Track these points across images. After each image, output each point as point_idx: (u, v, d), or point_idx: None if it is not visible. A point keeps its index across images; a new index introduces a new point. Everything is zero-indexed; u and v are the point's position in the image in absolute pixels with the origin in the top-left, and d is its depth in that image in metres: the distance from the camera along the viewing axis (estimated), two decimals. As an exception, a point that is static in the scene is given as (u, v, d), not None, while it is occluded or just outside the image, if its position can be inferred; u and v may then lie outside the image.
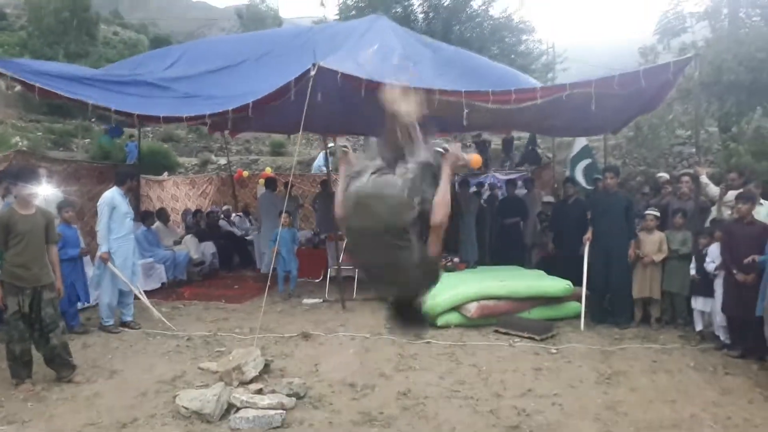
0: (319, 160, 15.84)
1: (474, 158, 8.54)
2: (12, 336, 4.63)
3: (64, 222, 6.28)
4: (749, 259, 5.26)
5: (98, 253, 6.47)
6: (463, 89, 6.61)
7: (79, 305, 6.73)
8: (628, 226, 6.75)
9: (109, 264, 6.40)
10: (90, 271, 6.99)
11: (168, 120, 6.89)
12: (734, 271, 5.43)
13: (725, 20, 13.75)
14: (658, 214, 6.75)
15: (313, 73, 6.25)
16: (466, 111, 6.40)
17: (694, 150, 12.56)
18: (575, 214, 7.57)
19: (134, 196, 8.06)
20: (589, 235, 6.82)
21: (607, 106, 6.82)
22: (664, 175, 8.39)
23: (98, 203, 6.55)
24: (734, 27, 12.89)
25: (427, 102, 6.48)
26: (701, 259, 6.00)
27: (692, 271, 6.13)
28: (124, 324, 6.62)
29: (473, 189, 11.55)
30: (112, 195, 6.53)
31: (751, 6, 13.01)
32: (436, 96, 6.43)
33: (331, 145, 13.57)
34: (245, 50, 8.27)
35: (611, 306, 6.85)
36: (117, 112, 6.78)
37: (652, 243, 6.60)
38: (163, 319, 6.67)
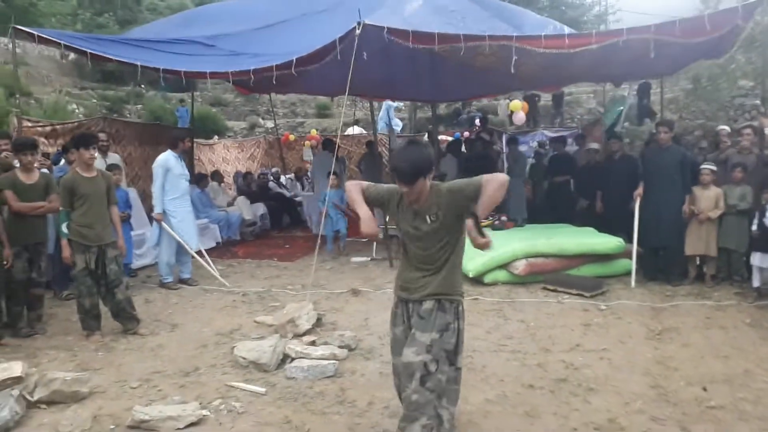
0: (384, 116, 15.83)
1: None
2: (81, 291, 4.93)
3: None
4: None
5: (153, 214, 6.74)
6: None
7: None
8: (682, 182, 6.51)
9: (164, 224, 6.66)
10: (143, 232, 7.35)
11: (214, 76, 6.97)
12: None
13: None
14: (714, 168, 6.49)
15: (358, 31, 6.21)
16: (515, 58, 6.22)
17: (758, 101, 11.97)
18: (623, 170, 7.37)
19: (188, 158, 8.31)
20: (640, 190, 6.64)
21: (667, 54, 6.52)
22: (724, 128, 8.03)
23: (153, 166, 6.79)
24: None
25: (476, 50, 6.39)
26: (762, 214, 5.79)
27: (753, 227, 5.92)
28: (183, 281, 6.93)
29: (522, 147, 11.39)
30: (166, 157, 6.75)
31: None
32: (486, 42, 6.31)
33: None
34: (288, 8, 8.27)
35: (664, 263, 6.72)
36: (165, 71, 6.89)
37: (708, 199, 6.37)
38: (218, 276, 6.95)
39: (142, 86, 20.39)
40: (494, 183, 2.70)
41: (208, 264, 7.05)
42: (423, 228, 2.85)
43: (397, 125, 16.25)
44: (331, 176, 8.03)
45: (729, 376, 4.04)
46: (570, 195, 8.98)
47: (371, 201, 3.02)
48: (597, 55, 6.46)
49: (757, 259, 5.90)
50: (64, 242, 4.98)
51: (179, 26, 8.53)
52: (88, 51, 6.75)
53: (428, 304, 2.87)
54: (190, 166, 9.86)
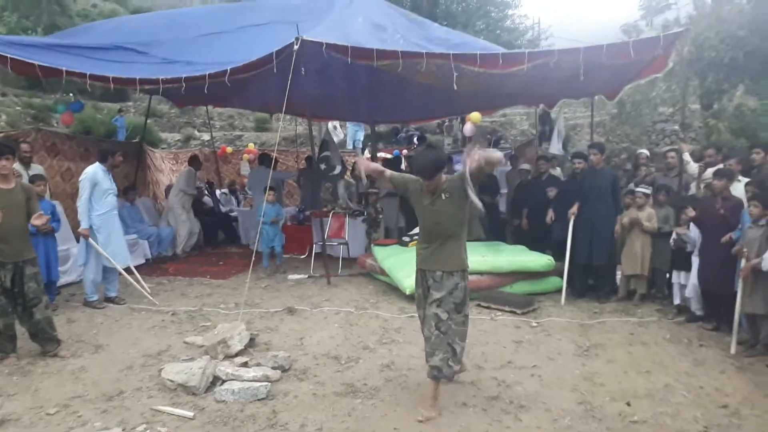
0: (353, 133, 15.99)
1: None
2: (-6, 310, 4.62)
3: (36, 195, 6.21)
4: (726, 237, 5.38)
5: (79, 229, 6.43)
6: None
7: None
8: (614, 202, 6.82)
9: (90, 240, 6.37)
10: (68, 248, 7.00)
11: (144, 83, 6.72)
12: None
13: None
14: (648, 191, 6.78)
15: (296, 47, 6.18)
16: (455, 74, 6.37)
17: (676, 127, 12.74)
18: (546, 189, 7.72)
19: (116, 170, 7.99)
20: (574, 209, 6.86)
21: (596, 76, 6.84)
22: (644, 152, 8.50)
23: (80, 179, 6.49)
24: (717, 5, 12.96)
25: (414, 68, 6.50)
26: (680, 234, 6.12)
27: (671, 242, 6.23)
28: (109, 299, 6.62)
29: (457, 166, 11.59)
30: (94, 170, 6.47)
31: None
32: (423, 60, 6.42)
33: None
34: (226, 19, 8.16)
35: (594, 281, 6.99)
36: (92, 77, 6.60)
37: (646, 219, 6.63)
38: (147, 293, 6.69)
39: (71, 94, 19.51)
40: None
41: (137, 281, 6.77)
42: (437, 203, 3.77)
43: (359, 142, 16.44)
44: (268, 191, 7.94)
45: (650, 390, 4.22)
46: (498, 215, 9.21)
47: (395, 184, 4.07)
48: (530, 76, 6.70)
49: (678, 277, 6.22)
50: None
51: (109, 32, 8.21)
52: (8, 56, 6.38)
53: (438, 273, 3.83)
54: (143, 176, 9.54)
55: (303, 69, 6.34)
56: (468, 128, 11.40)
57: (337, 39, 6.55)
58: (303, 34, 6.30)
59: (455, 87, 6.49)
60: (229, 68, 6.38)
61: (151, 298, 6.64)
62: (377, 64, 6.61)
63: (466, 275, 3.88)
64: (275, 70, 6.35)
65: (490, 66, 6.58)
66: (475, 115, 8.98)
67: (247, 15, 8.36)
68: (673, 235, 6.15)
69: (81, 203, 6.36)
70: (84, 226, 6.35)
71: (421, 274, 3.97)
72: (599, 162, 6.95)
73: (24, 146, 7.03)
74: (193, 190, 10.09)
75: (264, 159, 10.46)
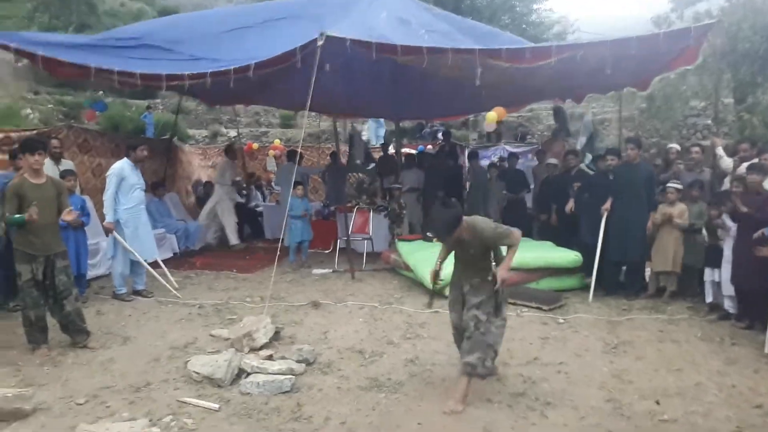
0: (375, 129, 16.05)
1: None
2: (27, 302, 4.72)
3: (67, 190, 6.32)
4: (758, 233, 5.23)
5: (104, 223, 6.55)
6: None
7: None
8: (648, 198, 6.65)
9: (116, 234, 6.47)
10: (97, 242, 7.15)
11: (171, 78, 6.78)
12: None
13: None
14: (680, 186, 6.60)
15: (320, 42, 6.17)
16: (479, 70, 6.29)
17: (708, 121, 12.43)
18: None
19: (145, 166, 8.08)
20: (607, 205, 6.70)
21: (624, 68, 6.69)
22: (674, 146, 8.29)
23: (107, 174, 6.61)
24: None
25: (439, 62, 6.45)
26: (713, 231, 5.97)
27: (704, 240, 6.09)
28: (137, 292, 6.73)
29: (483, 161, 11.52)
30: (121, 166, 6.58)
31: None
32: (449, 55, 6.35)
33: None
34: (251, 15, 8.18)
35: (624, 278, 6.83)
36: (120, 73, 6.70)
37: (678, 215, 6.48)
38: (172, 288, 6.77)
39: (101, 92, 19.87)
40: (516, 246, 3.88)
41: (164, 276, 6.86)
42: (468, 253, 3.95)
43: (381, 137, 16.40)
44: (298, 186, 8.00)
45: (681, 389, 4.12)
46: (525, 211, 9.09)
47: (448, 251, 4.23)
48: (556, 70, 6.58)
49: (710, 274, 6.07)
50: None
51: (135, 33, 8.30)
52: (39, 55, 6.49)
53: (476, 280, 3.95)
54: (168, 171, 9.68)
55: (328, 66, 6.33)
56: (490, 126, 11.34)
57: (361, 34, 6.52)
58: (327, 29, 6.28)
59: (477, 82, 6.40)
60: (253, 63, 6.39)
61: (175, 292, 6.72)
62: (401, 60, 6.56)
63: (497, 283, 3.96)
64: (299, 65, 6.33)
65: (517, 60, 6.48)
66: (491, 116, 8.87)
67: (272, 10, 8.38)
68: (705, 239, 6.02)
69: (107, 197, 6.47)
70: (109, 219, 6.46)
71: (458, 279, 4.09)
72: (636, 157, 6.78)
73: (54, 142, 7.16)
74: (228, 181, 10.13)
75: (292, 155, 10.51)
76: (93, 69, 6.60)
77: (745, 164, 6.31)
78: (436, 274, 4.25)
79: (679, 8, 13.84)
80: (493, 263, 3.98)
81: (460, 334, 4.04)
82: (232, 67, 6.44)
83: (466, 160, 11.88)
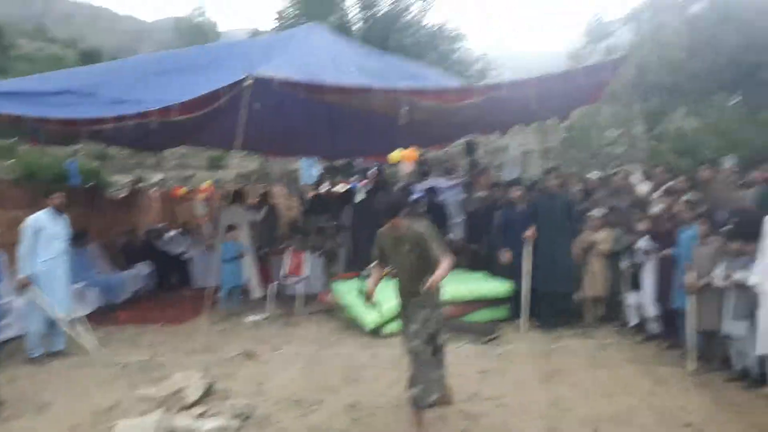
0: (307, 167, 15.81)
1: None
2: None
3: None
4: (661, 253, 5.55)
5: (18, 277, 6.13)
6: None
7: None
8: (571, 226, 6.83)
9: (32, 287, 6.06)
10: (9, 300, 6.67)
11: (90, 123, 6.46)
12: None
13: (647, 23, 14.45)
14: (601, 213, 6.87)
15: (248, 83, 6.12)
16: (406, 108, 6.39)
17: (623, 149, 13.15)
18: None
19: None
20: (530, 232, 6.78)
21: (547, 102, 6.97)
22: (594, 174, 8.69)
23: (22, 225, 6.21)
24: (656, 30, 13.56)
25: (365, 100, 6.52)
26: (631, 255, 6.25)
27: (624, 264, 6.35)
28: (55, 354, 6.28)
29: (416, 196, 11.61)
30: (37, 216, 6.20)
31: (671, 9, 13.76)
32: (377, 95, 6.44)
33: None
34: (177, 62, 8.03)
35: (554, 306, 6.93)
36: (36, 120, 6.36)
37: (602, 241, 6.72)
38: (91, 345, 6.37)
39: (15, 138, 18.86)
40: (450, 260, 3.89)
41: (79, 333, 6.44)
42: (402, 251, 4.00)
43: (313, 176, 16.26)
44: (229, 229, 7.81)
45: (616, 413, 4.23)
46: (449, 244, 9.15)
47: (377, 256, 4.23)
48: (483, 107, 6.79)
49: (631, 297, 6.32)
50: None
51: (55, 80, 7.95)
52: None
53: (411, 307, 4.05)
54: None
55: (258, 104, 6.28)
56: (406, 167, 11.57)
57: (292, 72, 6.52)
58: (256, 69, 6.25)
59: (402, 121, 6.50)
60: (177, 103, 6.24)
61: (93, 350, 6.32)
62: (329, 99, 6.60)
63: (438, 307, 4.09)
64: (224, 107, 6.24)
65: (443, 99, 6.65)
66: (395, 155, 9.03)
67: (201, 56, 8.25)
68: (624, 263, 6.28)
69: (21, 251, 6.07)
70: (23, 273, 6.05)
71: (402, 306, 4.21)
72: (558, 186, 7.00)
73: None
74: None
75: (237, 197, 10.21)
76: (6, 116, 6.27)
77: (663, 188, 6.69)
78: (369, 296, 4.21)
79: (592, 43, 14.70)
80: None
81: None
82: (156, 108, 6.27)
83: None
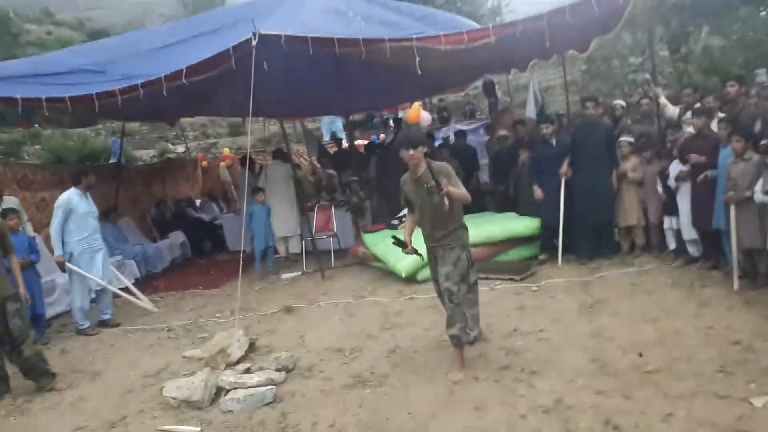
0: (328, 123, 15.80)
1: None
2: (-19, 353, 4.46)
3: (9, 230, 6.01)
4: (701, 177, 5.37)
5: (54, 257, 6.30)
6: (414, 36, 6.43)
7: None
8: (609, 156, 6.57)
9: (70, 266, 6.20)
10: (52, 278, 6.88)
11: (100, 97, 6.44)
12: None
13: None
14: (632, 140, 6.65)
15: (254, 42, 6.00)
16: (418, 59, 6.22)
17: (647, 75, 12.67)
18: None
19: (95, 193, 7.77)
20: (565, 169, 6.63)
21: (563, 36, 6.72)
22: (619, 102, 8.39)
23: (54, 206, 6.31)
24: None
25: (378, 53, 6.37)
26: (664, 179, 6.07)
27: (659, 190, 6.19)
28: (104, 323, 6.47)
29: (438, 142, 11.47)
30: (68, 196, 6.28)
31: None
32: (386, 45, 6.27)
33: None
34: (182, 30, 7.91)
35: (596, 238, 6.73)
36: (49, 100, 6.35)
37: (631, 169, 6.53)
38: (148, 306, 6.72)
39: (36, 125, 19.10)
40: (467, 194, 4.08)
41: (135, 296, 6.74)
42: (424, 193, 3.99)
43: (340, 131, 16.14)
44: (256, 192, 7.84)
45: (661, 338, 4.16)
46: (478, 187, 9.03)
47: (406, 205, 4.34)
48: (497, 47, 6.56)
49: (669, 222, 6.18)
50: None
51: (64, 59, 7.92)
52: None
53: (440, 251, 4.10)
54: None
55: (265, 65, 6.15)
56: (425, 118, 11.36)
57: (295, 30, 6.36)
58: (260, 29, 6.10)
59: (418, 71, 6.32)
60: (184, 67, 6.16)
61: (152, 308, 6.69)
62: (339, 52, 6.43)
63: (467, 247, 4.13)
64: (234, 67, 6.14)
65: (456, 43, 6.43)
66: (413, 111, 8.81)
67: (205, 24, 8.10)
68: (659, 188, 6.11)
69: (52, 231, 6.18)
70: (58, 253, 6.18)
71: (430, 251, 4.23)
72: (595, 115, 6.75)
73: None
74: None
75: (244, 162, 10.22)
76: (20, 100, 6.29)
77: (690, 110, 6.44)
78: (406, 245, 4.19)
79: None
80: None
81: (443, 302, 4.19)
82: (163, 75, 6.20)
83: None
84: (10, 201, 6.92)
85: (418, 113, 11.05)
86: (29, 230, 6.92)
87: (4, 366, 4.59)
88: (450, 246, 4.04)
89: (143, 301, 6.88)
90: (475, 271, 4.25)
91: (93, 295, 6.48)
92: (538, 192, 6.94)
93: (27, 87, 6.59)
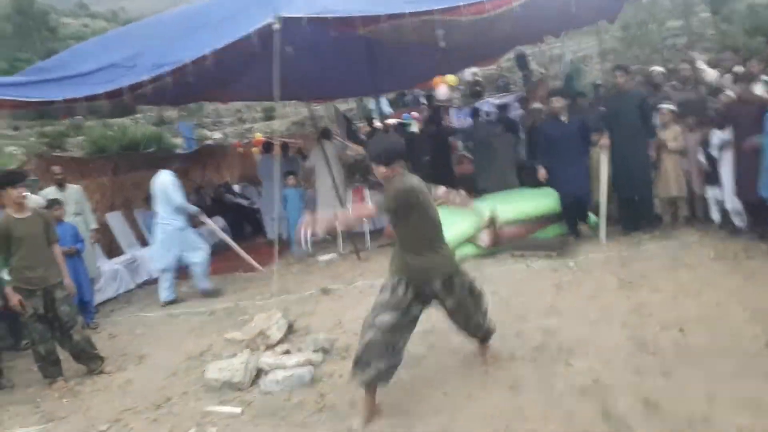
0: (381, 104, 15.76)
1: None
2: (34, 338, 4.67)
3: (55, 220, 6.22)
4: (748, 143, 5.15)
5: (197, 213, 7.28)
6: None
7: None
8: (644, 125, 6.30)
9: (206, 220, 7.51)
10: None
11: (133, 88, 6.59)
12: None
13: None
14: (673, 107, 6.38)
15: (277, 26, 5.99)
16: (441, 32, 6.11)
17: (687, 39, 12.20)
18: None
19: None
20: (604, 140, 6.33)
21: (590, 5, 6.49)
22: (657, 68, 8.09)
23: (162, 188, 6.92)
24: None
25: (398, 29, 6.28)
26: (707, 147, 5.86)
27: (701, 159, 5.98)
28: (207, 293, 7.03)
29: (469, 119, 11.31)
30: (174, 177, 7.03)
31: None
32: (407, 19, 6.18)
33: None
34: (204, 18, 7.94)
35: (635, 211, 6.54)
36: (88, 98, 6.56)
37: (671, 138, 6.28)
38: (255, 265, 7.54)
39: (80, 117, 19.63)
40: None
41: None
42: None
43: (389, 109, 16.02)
44: (290, 176, 7.92)
45: (703, 313, 4.05)
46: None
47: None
48: (522, 15, 6.38)
49: (712, 192, 5.97)
50: (8, 290, 4.68)
51: (95, 55, 8.05)
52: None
53: (438, 283, 3.60)
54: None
55: (290, 48, 6.15)
56: (442, 91, 11.12)
57: (317, 10, 6.33)
58: (281, 11, 6.09)
59: (442, 44, 6.22)
60: (209, 50, 6.21)
61: (258, 266, 7.62)
62: (362, 32, 6.37)
63: (458, 267, 3.63)
64: (258, 50, 6.15)
65: (477, 12, 6.28)
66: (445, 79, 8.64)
67: (228, 7, 8.12)
68: (701, 157, 5.89)
69: (180, 200, 6.98)
70: (194, 211, 7.22)
71: (412, 284, 3.59)
72: (626, 84, 6.49)
73: (55, 168, 6.98)
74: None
75: (267, 148, 10.32)
76: (62, 101, 6.51)
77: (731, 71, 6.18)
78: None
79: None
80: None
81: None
82: (189, 60, 6.28)
83: (471, 118, 11.49)
84: (72, 189, 7.10)
85: (441, 81, 10.81)
86: (90, 220, 7.11)
87: (56, 350, 4.79)
88: (447, 276, 3.56)
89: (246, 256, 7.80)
90: (475, 284, 3.74)
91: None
92: (541, 172, 6.69)
93: (64, 88, 6.79)
